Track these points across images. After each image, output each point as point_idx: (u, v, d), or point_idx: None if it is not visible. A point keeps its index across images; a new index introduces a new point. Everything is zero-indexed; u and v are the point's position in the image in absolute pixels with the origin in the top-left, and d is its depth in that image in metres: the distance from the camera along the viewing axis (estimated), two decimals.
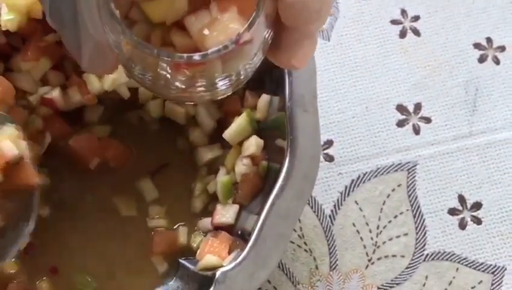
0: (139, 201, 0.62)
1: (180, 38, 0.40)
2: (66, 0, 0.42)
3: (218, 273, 0.50)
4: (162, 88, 0.42)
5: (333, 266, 0.64)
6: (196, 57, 0.39)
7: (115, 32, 0.40)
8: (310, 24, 0.42)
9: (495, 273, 0.64)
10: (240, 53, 0.40)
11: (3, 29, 0.57)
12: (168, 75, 0.41)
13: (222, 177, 0.59)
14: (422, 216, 0.65)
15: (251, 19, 0.39)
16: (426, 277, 0.64)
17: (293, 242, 0.64)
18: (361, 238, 0.64)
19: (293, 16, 0.41)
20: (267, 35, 0.42)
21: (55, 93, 0.60)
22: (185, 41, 0.40)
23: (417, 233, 0.65)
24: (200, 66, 0.40)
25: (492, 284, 0.64)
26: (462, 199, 0.66)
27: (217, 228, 0.58)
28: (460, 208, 0.66)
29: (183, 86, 0.42)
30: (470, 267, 0.64)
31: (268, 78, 0.56)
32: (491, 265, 0.64)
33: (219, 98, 0.44)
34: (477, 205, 0.66)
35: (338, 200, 0.65)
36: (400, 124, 0.67)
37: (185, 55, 0.39)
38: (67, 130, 0.61)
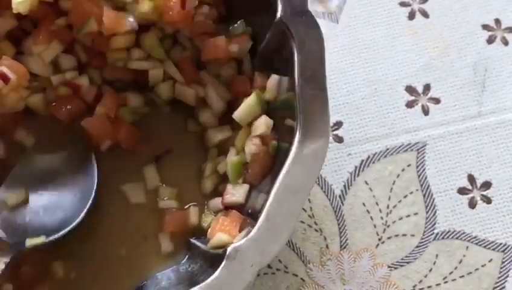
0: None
1: None
2: None
3: (229, 248, 0.50)
4: None
5: (343, 246, 0.64)
6: None
7: None
8: None
9: (505, 251, 0.64)
10: None
11: (15, 12, 0.57)
12: None
13: (232, 158, 0.59)
14: (432, 196, 0.65)
15: None
16: (436, 256, 0.64)
17: (303, 222, 0.64)
18: (371, 218, 0.65)
19: None
20: None
21: (84, 81, 0.61)
22: None
23: (427, 212, 0.65)
24: None
25: (502, 263, 0.64)
26: (471, 179, 0.66)
27: (228, 208, 0.58)
28: (469, 187, 0.66)
29: None
30: (480, 245, 0.64)
31: (277, 58, 0.56)
32: (501, 243, 0.64)
33: None
34: (487, 185, 0.66)
35: (348, 181, 0.65)
36: (409, 104, 0.68)
37: None
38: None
